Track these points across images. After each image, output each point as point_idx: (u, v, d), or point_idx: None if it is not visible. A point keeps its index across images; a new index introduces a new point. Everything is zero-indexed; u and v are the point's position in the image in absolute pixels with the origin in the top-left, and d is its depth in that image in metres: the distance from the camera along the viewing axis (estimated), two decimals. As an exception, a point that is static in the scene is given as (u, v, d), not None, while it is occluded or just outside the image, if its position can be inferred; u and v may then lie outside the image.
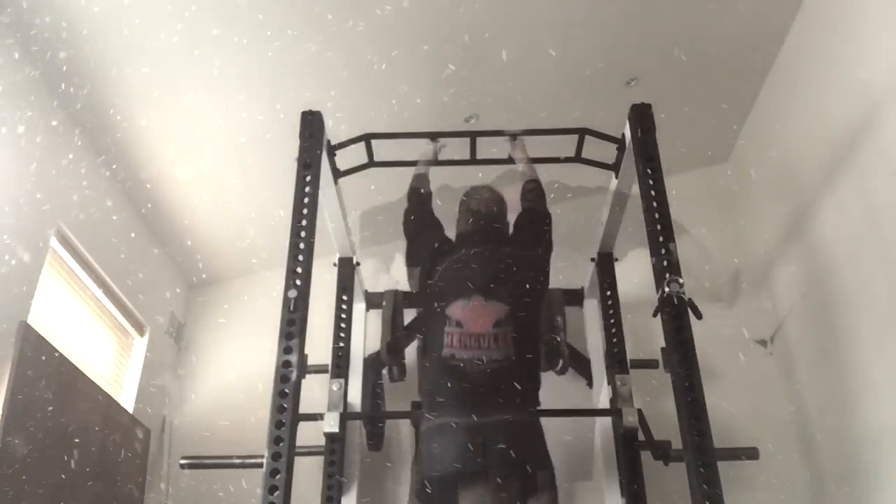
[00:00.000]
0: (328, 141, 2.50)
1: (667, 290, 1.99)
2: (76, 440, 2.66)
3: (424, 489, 2.15)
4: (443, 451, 2.11)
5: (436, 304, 2.29)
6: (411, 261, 2.45)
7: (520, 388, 2.19)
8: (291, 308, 2.00)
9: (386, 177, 2.86)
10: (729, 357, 3.31)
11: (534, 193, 2.54)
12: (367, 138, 2.67)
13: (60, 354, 2.64)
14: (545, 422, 2.46)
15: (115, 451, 2.96)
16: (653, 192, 2.19)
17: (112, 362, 3.22)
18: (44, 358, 2.53)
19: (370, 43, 2.80)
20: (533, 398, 2.27)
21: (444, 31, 2.82)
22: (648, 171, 2.23)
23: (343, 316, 2.97)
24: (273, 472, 1.79)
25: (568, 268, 3.16)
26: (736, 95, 3.45)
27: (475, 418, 2.11)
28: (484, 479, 2.09)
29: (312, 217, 2.17)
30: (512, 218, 2.56)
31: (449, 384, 2.17)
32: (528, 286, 2.32)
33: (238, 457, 2.45)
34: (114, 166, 3.06)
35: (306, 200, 2.20)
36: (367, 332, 3.13)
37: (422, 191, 2.58)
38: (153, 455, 3.34)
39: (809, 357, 3.12)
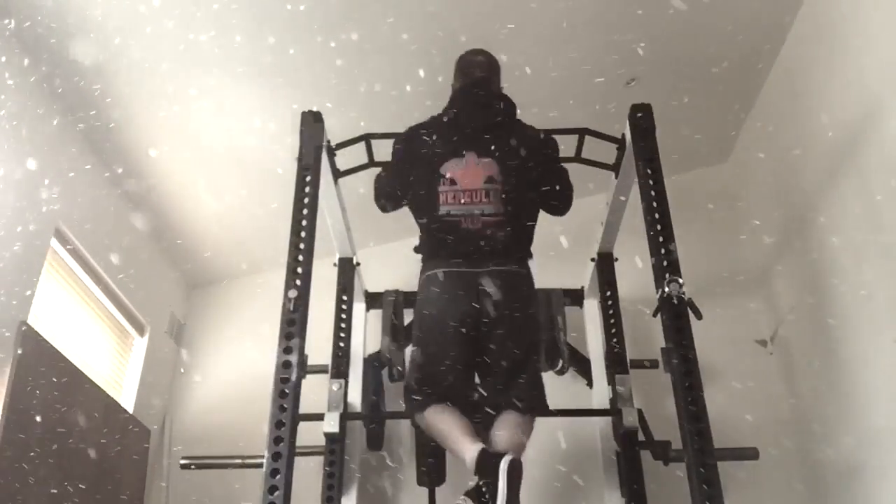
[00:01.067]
0: (328, 141, 2.50)
1: (667, 290, 1.99)
2: (76, 440, 2.67)
3: (422, 334, 2.26)
4: (439, 298, 2.21)
5: (429, 164, 2.33)
6: (393, 153, 2.49)
7: (512, 243, 2.26)
8: (291, 308, 2.00)
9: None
10: (729, 357, 3.31)
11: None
12: (367, 138, 2.66)
13: (60, 354, 2.64)
14: (546, 422, 2.46)
15: (115, 451, 2.96)
16: (653, 192, 2.19)
17: (112, 362, 3.22)
18: (44, 358, 2.53)
19: (370, 43, 2.80)
20: (525, 249, 2.34)
21: (444, 31, 2.82)
22: (648, 171, 2.23)
23: (343, 316, 2.97)
24: (273, 472, 1.79)
25: (568, 268, 3.16)
26: (736, 95, 3.45)
27: (469, 268, 2.21)
28: (477, 324, 2.18)
29: (312, 217, 2.17)
30: None
31: (445, 238, 2.25)
32: (520, 146, 2.35)
33: (238, 457, 2.45)
34: (114, 166, 3.06)
35: (306, 200, 2.20)
36: (367, 332, 3.13)
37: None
38: (153, 455, 3.34)
39: (809, 357, 3.12)
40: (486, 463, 1.95)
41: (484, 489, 1.93)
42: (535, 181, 2.38)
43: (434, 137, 2.37)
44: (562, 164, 2.54)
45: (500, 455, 1.95)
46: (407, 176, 2.40)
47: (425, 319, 2.27)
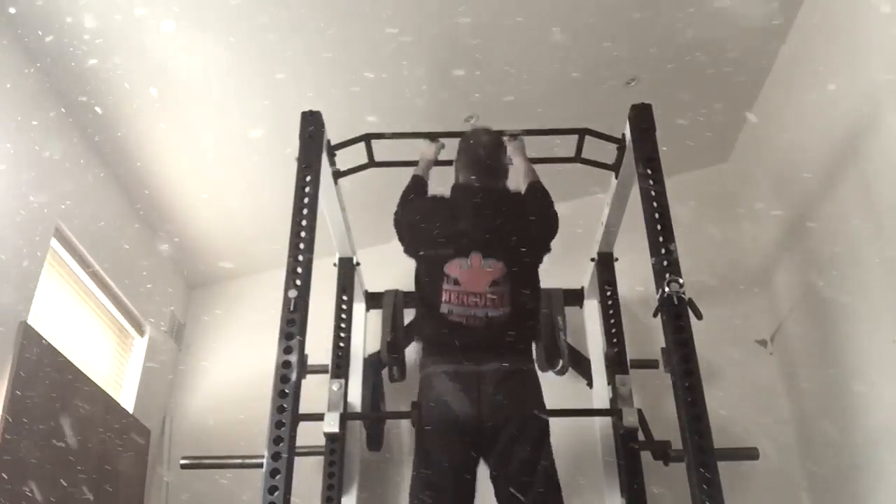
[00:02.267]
0: (328, 141, 2.50)
1: (667, 290, 1.99)
2: (76, 440, 2.66)
3: (425, 437, 2.18)
4: (440, 399, 2.15)
5: (433, 259, 2.30)
6: (402, 220, 2.45)
7: (514, 341, 2.23)
8: (291, 308, 2.00)
9: (387, 175, 2.86)
10: (729, 357, 3.31)
11: (536, 200, 2.48)
12: (367, 138, 2.67)
13: (60, 354, 2.64)
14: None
15: (115, 451, 2.96)
16: (653, 192, 2.19)
17: (112, 362, 3.22)
18: (44, 358, 2.53)
19: (370, 43, 2.80)
20: (528, 347, 2.31)
21: (444, 31, 2.82)
22: (648, 171, 2.23)
23: (343, 316, 2.97)
24: (273, 472, 1.79)
25: (568, 268, 3.16)
26: (736, 95, 3.45)
27: (471, 366, 2.16)
28: (480, 425, 2.12)
29: (312, 217, 2.17)
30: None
31: (446, 336, 2.21)
32: (527, 242, 2.32)
33: (238, 457, 2.45)
34: (113, 166, 3.06)
35: (306, 200, 2.20)
36: (367, 332, 3.13)
37: (418, 194, 2.57)
38: (153, 455, 3.34)
39: (809, 357, 3.12)
40: None
41: None
42: (538, 253, 2.37)
43: (440, 227, 2.32)
44: (553, 207, 2.48)
45: None
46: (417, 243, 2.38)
47: (428, 426, 2.16)
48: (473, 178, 2.39)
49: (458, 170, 2.46)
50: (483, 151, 2.42)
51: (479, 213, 2.31)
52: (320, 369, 2.72)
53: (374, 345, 3.09)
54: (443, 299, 2.23)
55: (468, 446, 2.12)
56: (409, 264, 2.41)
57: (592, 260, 3.05)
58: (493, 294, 2.22)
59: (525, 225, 2.34)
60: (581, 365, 3.09)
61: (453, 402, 2.12)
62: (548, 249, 2.41)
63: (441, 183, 2.59)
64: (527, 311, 2.28)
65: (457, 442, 2.11)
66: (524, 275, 2.29)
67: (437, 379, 2.18)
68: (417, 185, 2.58)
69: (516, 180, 2.56)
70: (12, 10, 2.41)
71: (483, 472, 2.16)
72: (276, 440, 1.84)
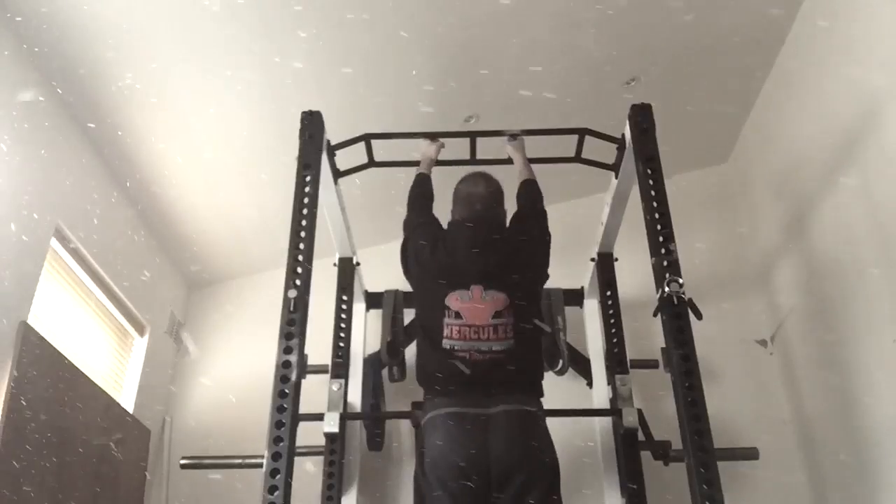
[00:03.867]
0: (328, 141, 2.50)
1: (667, 290, 1.99)
2: (76, 440, 2.67)
3: (428, 480, 2.10)
4: (444, 444, 2.08)
5: (434, 293, 2.27)
6: (406, 251, 2.44)
7: (521, 377, 2.18)
8: (291, 308, 2.00)
9: (387, 175, 2.86)
10: (729, 357, 3.31)
11: (528, 194, 2.50)
12: (367, 138, 2.67)
13: (60, 354, 2.64)
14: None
15: (115, 451, 2.96)
16: (653, 192, 2.18)
17: (112, 362, 3.22)
18: (44, 358, 2.53)
19: (370, 43, 2.80)
20: (535, 387, 2.24)
21: (444, 31, 2.82)
22: (648, 171, 2.23)
23: (343, 316, 2.97)
24: (273, 472, 1.79)
25: (568, 268, 3.16)
26: (736, 95, 3.45)
27: (477, 409, 2.09)
28: (487, 471, 2.04)
29: (312, 217, 2.17)
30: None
31: (449, 374, 2.16)
32: (527, 273, 2.31)
33: (238, 457, 2.45)
34: (114, 166, 3.06)
35: (306, 200, 2.20)
36: (367, 332, 3.13)
37: (424, 195, 2.56)
38: (153, 455, 3.34)
39: (809, 357, 3.12)
40: None
41: None
42: (539, 280, 2.37)
43: (441, 260, 2.30)
44: (548, 231, 2.46)
45: None
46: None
47: (429, 470, 2.09)
48: (472, 225, 2.37)
49: (454, 211, 2.46)
50: (480, 206, 2.41)
51: (477, 249, 2.29)
52: (320, 369, 2.72)
53: (374, 345, 3.09)
54: (445, 334, 2.20)
55: (475, 494, 2.03)
56: (410, 264, 2.40)
57: (592, 260, 3.05)
58: (496, 326, 2.18)
59: (524, 257, 2.33)
60: (581, 365, 3.09)
61: (460, 448, 2.04)
62: (546, 277, 2.41)
63: (440, 182, 2.60)
64: (531, 344, 2.25)
65: (463, 490, 2.03)
66: (526, 305, 2.26)
67: (442, 423, 2.10)
68: (424, 184, 2.58)
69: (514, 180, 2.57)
70: (17, 19, 2.41)
71: None
72: (276, 440, 1.84)
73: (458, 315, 2.21)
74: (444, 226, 2.47)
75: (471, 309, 2.21)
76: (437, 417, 2.12)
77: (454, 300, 2.23)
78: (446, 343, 2.19)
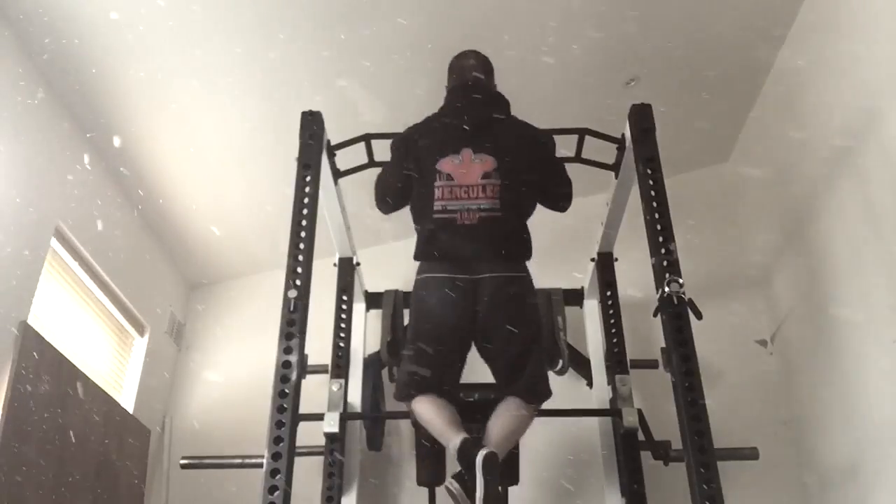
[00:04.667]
0: (328, 141, 2.50)
1: (667, 290, 1.99)
2: (76, 440, 2.66)
3: (416, 335, 2.25)
4: (434, 305, 2.20)
5: (425, 162, 2.32)
6: (396, 149, 2.48)
7: (509, 241, 2.25)
8: (291, 308, 2.00)
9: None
10: (729, 357, 3.31)
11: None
12: (367, 138, 2.66)
13: (60, 354, 2.64)
14: (545, 422, 2.46)
15: (115, 451, 2.96)
16: (653, 192, 2.19)
17: (112, 362, 3.22)
18: (44, 358, 2.53)
19: (370, 43, 2.80)
20: (522, 249, 2.31)
21: (444, 31, 2.82)
22: (648, 171, 2.23)
23: (343, 316, 2.97)
24: (273, 472, 1.79)
25: (568, 268, 3.16)
26: (736, 95, 3.45)
27: (465, 274, 2.18)
28: (472, 332, 2.19)
29: (312, 217, 2.17)
30: None
31: (441, 237, 2.23)
32: (519, 137, 2.35)
33: (238, 457, 2.45)
34: (114, 166, 3.06)
35: (306, 200, 2.20)
36: (367, 332, 3.13)
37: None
38: (153, 455, 3.34)
39: (809, 357, 3.12)
40: (465, 454, 2.00)
41: (466, 477, 1.99)
42: (534, 176, 2.38)
43: (430, 136, 2.37)
44: (557, 158, 2.53)
45: (479, 448, 1.99)
46: (405, 175, 2.40)
47: (419, 323, 2.26)
48: (465, 79, 2.43)
49: (448, 83, 2.50)
50: (471, 65, 2.45)
51: (469, 105, 2.35)
52: (320, 369, 2.72)
53: (374, 345, 3.09)
54: (436, 196, 2.26)
55: (460, 343, 2.22)
56: (410, 264, 2.40)
57: (592, 260, 3.05)
58: (485, 184, 2.24)
59: (517, 125, 2.38)
60: (581, 365, 3.09)
61: (448, 309, 2.17)
62: (541, 151, 2.42)
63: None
64: (519, 209, 2.31)
65: (449, 340, 2.20)
66: (516, 169, 2.30)
67: (432, 284, 2.21)
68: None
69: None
70: (19, 17, 2.41)
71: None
72: (276, 440, 1.84)
73: (448, 177, 2.27)
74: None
75: (460, 169, 2.27)
76: (427, 279, 2.23)
77: (445, 164, 2.29)
78: (437, 205, 2.25)
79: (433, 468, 2.67)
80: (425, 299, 2.24)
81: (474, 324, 2.19)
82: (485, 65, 2.49)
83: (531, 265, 2.34)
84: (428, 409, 2.18)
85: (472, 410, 2.27)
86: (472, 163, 2.28)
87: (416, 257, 2.33)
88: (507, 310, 2.19)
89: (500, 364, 2.25)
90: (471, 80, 2.43)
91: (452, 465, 2.71)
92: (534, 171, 2.37)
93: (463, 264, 2.21)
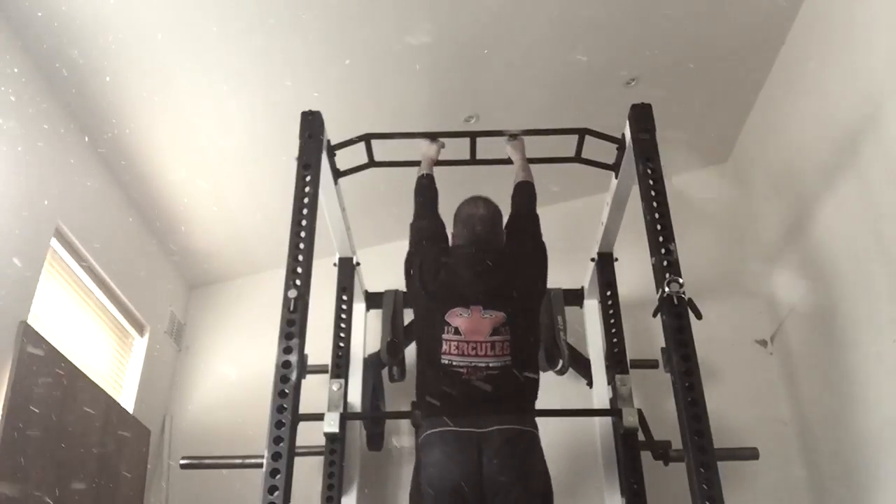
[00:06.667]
0: (328, 141, 2.50)
1: (667, 290, 1.99)
2: (76, 440, 2.67)
3: (422, 496, 2.14)
4: (440, 462, 2.10)
5: (434, 310, 2.28)
6: (411, 265, 2.44)
7: (516, 395, 2.19)
8: (291, 308, 2.00)
9: (387, 175, 2.86)
10: (729, 357, 3.31)
11: (523, 196, 2.51)
12: (367, 138, 2.67)
13: (60, 354, 2.64)
14: (545, 422, 2.46)
15: (115, 451, 2.96)
16: (653, 192, 2.19)
17: (112, 362, 3.22)
18: (44, 358, 2.53)
19: (370, 43, 2.80)
20: (530, 406, 2.26)
21: (444, 31, 2.82)
22: (648, 171, 2.23)
23: (343, 316, 2.97)
24: (273, 472, 1.80)
25: (568, 268, 3.16)
26: (736, 95, 3.45)
27: (472, 428, 2.11)
28: (480, 489, 2.07)
29: (312, 217, 2.18)
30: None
31: (446, 391, 2.17)
32: (526, 291, 2.32)
33: (238, 457, 2.45)
34: (113, 166, 3.06)
35: (306, 200, 2.20)
36: (367, 332, 3.13)
37: (429, 198, 2.55)
38: (153, 455, 3.34)
39: (809, 357, 3.13)
40: None
41: None
42: (537, 298, 2.38)
43: (443, 277, 2.31)
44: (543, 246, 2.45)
45: None
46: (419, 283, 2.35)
47: (424, 486, 2.14)
48: (473, 246, 2.37)
49: (455, 233, 2.46)
50: (480, 227, 2.40)
51: (477, 273, 2.30)
52: (320, 369, 2.72)
53: (374, 345, 3.09)
54: (443, 350, 2.20)
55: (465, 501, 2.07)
56: (410, 264, 2.40)
57: (592, 260, 3.05)
58: (493, 342, 2.19)
59: (522, 277, 2.32)
60: (581, 365, 3.09)
61: (454, 465, 2.07)
62: (544, 289, 2.41)
63: (439, 180, 2.59)
64: (528, 362, 2.25)
65: (455, 500, 2.07)
66: (524, 323, 2.27)
67: (437, 440, 2.12)
68: (428, 186, 2.57)
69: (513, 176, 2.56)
70: (17, 18, 2.41)
71: None
72: (276, 440, 1.84)
73: (456, 331, 2.22)
74: (448, 235, 2.47)
75: (469, 325, 2.22)
76: (432, 435, 2.14)
77: (454, 317, 2.24)
78: (444, 359, 2.20)
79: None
80: (429, 458, 2.13)
81: (483, 481, 2.07)
82: (493, 217, 2.43)
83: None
84: None
85: None
86: (482, 318, 2.22)
87: (418, 403, 2.27)
88: (515, 465, 2.09)
89: None
90: (481, 239, 2.37)
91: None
92: (539, 292, 2.37)
93: (469, 418, 2.13)
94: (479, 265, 2.31)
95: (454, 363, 2.18)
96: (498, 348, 2.19)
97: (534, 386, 2.27)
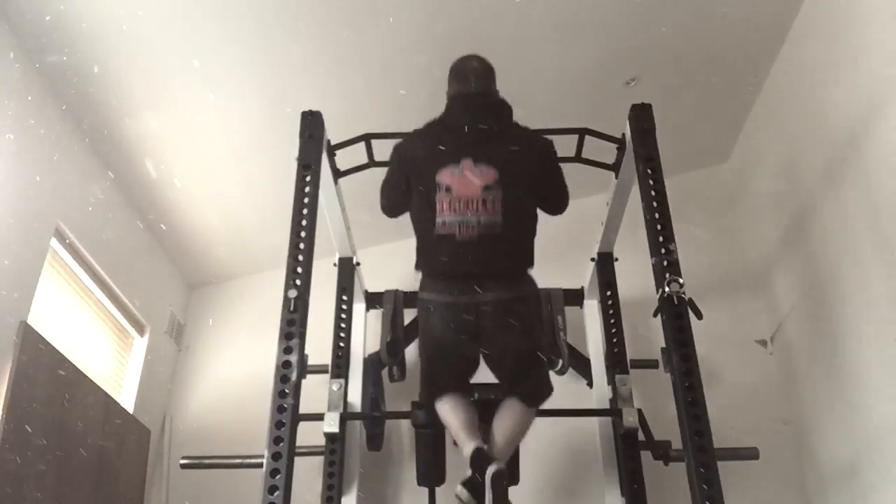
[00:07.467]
0: (328, 141, 2.50)
1: (667, 290, 1.99)
2: (76, 440, 2.67)
3: (428, 362, 2.29)
4: (438, 333, 2.22)
5: (425, 174, 2.26)
6: (395, 158, 2.42)
7: (510, 254, 2.23)
8: (291, 308, 2.00)
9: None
10: (729, 357, 3.31)
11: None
12: (367, 138, 2.66)
13: (60, 354, 2.64)
14: (546, 422, 2.46)
15: (115, 451, 2.96)
16: (653, 192, 2.19)
17: (112, 362, 3.22)
18: (44, 358, 2.53)
19: (370, 43, 2.80)
20: (525, 265, 2.28)
21: (444, 31, 2.82)
22: (648, 171, 2.24)
23: (343, 316, 2.97)
24: (273, 472, 1.80)
25: (568, 268, 3.16)
26: (736, 95, 3.45)
27: (467, 295, 2.16)
28: (477, 348, 2.22)
29: (312, 217, 2.18)
30: None
31: (441, 253, 2.20)
32: (518, 150, 2.29)
33: (238, 457, 2.45)
34: (113, 166, 3.06)
35: (306, 200, 2.20)
36: (367, 332, 3.13)
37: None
38: (153, 455, 3.34)
39: (809, 357, 3.12)
40: (476, 465, 2.07)
41: (475, 485, 2.06)
42: (534, 185, 2.33)
43: (430, 145, 2.31)
44: (559, 164, 2.46)
45: (489, 460, 2.06)
46: (405, 184, 2.35)
47: (426, 347, 2.31)
48: (466, 87, 2.35)
49: (449, 89, 2.42)
50: (474, 78, 2.37)
51: (470, 115, 2.29)
52: (320, 369, 2.72)
53: (374, 345, 3.09)
54: (437, 209, 2.21)
55: (466, 360, 2.26)
56: (410, 264, 2.40)
57: (592, 260, 3.05)
58: (485, 198, 2.19)
59: (520, 140, 2.32)
60: (581, 365, 3.09)
61: (451, 337, 2.19)
62: (544, 172, 2.37)
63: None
64: (521, 222, 2.26)
65: (456, 359, 2.25)
66: (517, 185, 2.24)
67: (434, 309, 2.22)
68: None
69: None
70: (19, 20, 2.41)
71: None
72: (276, 440, 1.84)
73: (448, 189, 2.22)
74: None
75: (460, 182, 2.21)
76: (429, 303, 2.23)
77: (444, 175, 2.23)
78: (438, 219, 2.21)
79: (433, 469, 2.67)
80: (429, 326, 2.25)
81: (478, 341, 2.22)
82: (487, 71, 2.41)
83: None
84: (446, 413, 2.25)
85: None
86: (473, 174, 2.22)
87: (417, 268, 2.31)
88: (510, 328, 2.18)
89: (502, 372, 2.28)
90: (472, 88, 2.36)
91: (452, 466, 2.73)
92: (536, 181, 2.33)
93: (464, 285, 2.17)
94: (472, 112, 2.30)
95: (447, 221, 2.19)
96: (490, 204, 2.19)
97: (530, 241, 2.29)
